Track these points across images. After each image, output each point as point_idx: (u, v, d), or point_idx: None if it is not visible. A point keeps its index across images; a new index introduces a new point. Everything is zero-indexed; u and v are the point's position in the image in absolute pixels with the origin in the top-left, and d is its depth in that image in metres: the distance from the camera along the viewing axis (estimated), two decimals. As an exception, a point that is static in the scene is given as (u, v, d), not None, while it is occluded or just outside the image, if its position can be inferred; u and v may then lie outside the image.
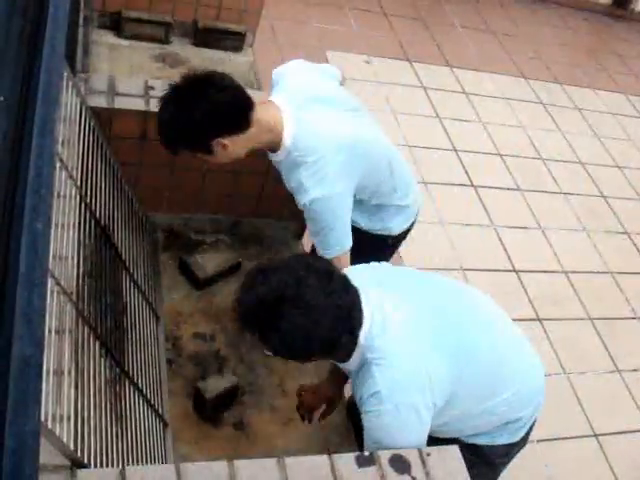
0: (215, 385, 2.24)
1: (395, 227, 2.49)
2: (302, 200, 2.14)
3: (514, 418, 2.01)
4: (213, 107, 1.99)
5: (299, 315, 1.58)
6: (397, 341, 1.75)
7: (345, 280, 1.70)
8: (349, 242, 2.21)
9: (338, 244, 2.19)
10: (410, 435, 1.76)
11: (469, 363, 1.84)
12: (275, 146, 2.16)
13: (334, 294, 1.62)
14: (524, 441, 2.11)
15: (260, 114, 2.08)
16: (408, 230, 2.56)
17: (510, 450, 2.09)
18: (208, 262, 2.66)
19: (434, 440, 1.84)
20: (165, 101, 2.03)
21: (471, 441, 2.00)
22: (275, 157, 2.19)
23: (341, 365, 1.88)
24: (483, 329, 1.94)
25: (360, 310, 1.71)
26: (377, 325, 1.73)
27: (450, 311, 1.89)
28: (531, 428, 2.10)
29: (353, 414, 2.32)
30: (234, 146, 2.06)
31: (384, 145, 2.38)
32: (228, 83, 2.05)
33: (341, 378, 2.22)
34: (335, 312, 1.62)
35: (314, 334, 1.61)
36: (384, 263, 2.02)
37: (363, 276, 1.79)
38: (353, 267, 1.96)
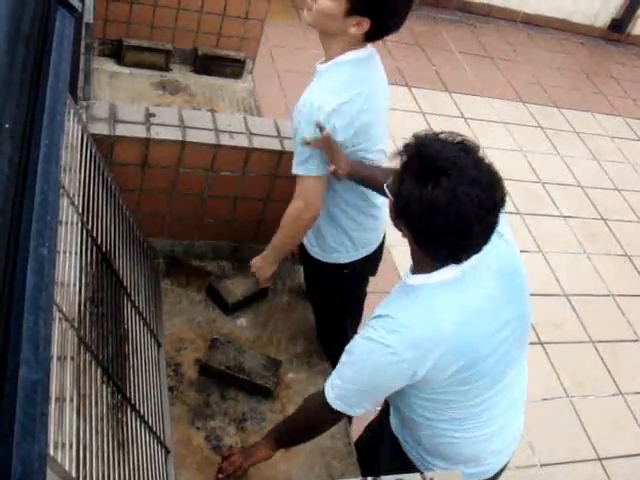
0: None
1: None
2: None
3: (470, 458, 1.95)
4: None
5: (457, 185, 1.63)
6: (449, 296, 1.77)
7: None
8: None
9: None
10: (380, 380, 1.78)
11: (475, 365, 1.78)
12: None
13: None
14: None
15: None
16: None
17: None
18: (237, 287, 2.67)
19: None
20: None
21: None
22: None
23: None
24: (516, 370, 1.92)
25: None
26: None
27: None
28: None
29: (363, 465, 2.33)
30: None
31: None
32: None
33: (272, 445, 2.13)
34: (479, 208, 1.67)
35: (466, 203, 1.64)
36: None
37: None
38: None
